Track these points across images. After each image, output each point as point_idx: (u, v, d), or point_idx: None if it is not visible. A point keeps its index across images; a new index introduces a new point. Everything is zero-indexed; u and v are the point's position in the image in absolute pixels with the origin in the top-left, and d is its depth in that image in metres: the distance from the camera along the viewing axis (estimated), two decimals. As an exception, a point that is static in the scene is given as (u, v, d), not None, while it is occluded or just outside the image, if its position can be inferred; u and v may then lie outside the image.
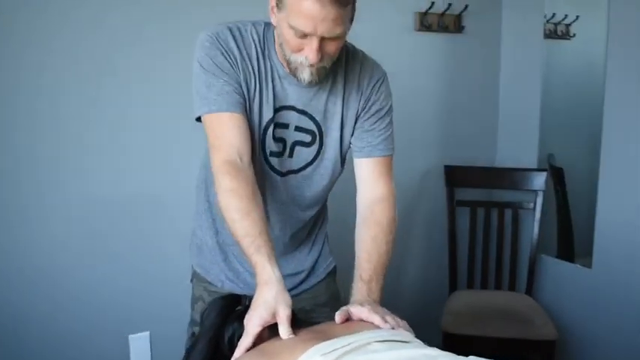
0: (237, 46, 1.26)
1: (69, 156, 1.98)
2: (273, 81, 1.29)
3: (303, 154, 1.35)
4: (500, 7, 2.76)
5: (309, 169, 1.37)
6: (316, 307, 1.49)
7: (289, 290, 1.44)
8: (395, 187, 1.41)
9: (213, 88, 1.23)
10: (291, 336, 0.98)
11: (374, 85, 1.37)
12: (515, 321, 2.32)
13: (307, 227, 1.49)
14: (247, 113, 1.27)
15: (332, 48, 1.18)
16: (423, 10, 2.52)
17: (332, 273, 1.58)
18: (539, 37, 2.66)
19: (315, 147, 1.35)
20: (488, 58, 2.79)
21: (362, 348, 0.89)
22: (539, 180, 2.58)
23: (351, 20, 1.20)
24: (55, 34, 1.91)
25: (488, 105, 2.83)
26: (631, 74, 2.23)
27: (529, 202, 2.60)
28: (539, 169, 2.63)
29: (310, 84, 1.24)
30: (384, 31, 2.48)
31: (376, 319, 1.07)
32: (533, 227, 2.57)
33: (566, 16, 2.72)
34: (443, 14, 2.56)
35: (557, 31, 2.75)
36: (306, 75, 1.21)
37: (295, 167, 1.36)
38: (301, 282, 1.50)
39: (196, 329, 1.29)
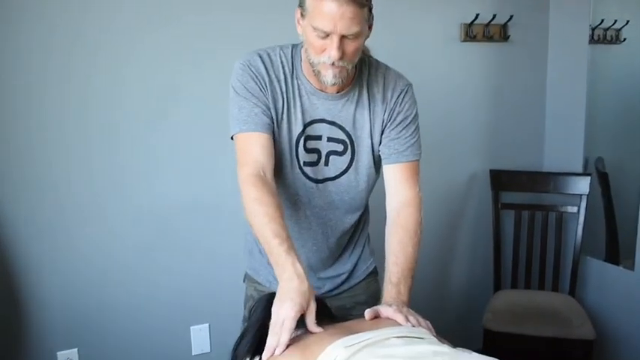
0: (267, 71, 1.39)
1: (139, 162, 2.19)
2: (301, 98, 1.41)
3: (338, 163, 1.45)
4: (548, 16, 2.82)
5: (344, 176, 1.47)
6: (356, 305, 1.59)
7: (331, 290, 1.58)
8: (421, 191, 1.48)
9: (244, 111, 1.37)
10: (320, 329, 1.13)
11: (398, 95, 1.45)
12: (554, 320, 2.39)
13: (349, 231, 1.57)
14: (277, 130, 1.39)
15: (351, 48, 1.28)
16: (469, 22, 2.62)
17: (372, 273, 1.66)
18: (584, 43, 2.70)
19: (348, 155, 1.45)
20: (534, 65, 2.85)
21: (381, 342, 1.04)
22: (584, 184, 2.64)
23: (370, 27, 1.32)
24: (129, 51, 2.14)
25: (534, 111, 2.89)
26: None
27: (573, 206, 2.65)
28: (583, 174, 2.69)
29: (334, 87, 1.36)
30: (431, 42, 2.60)
31: (399, 318, 1.19)
32: (576, 230, 2.63)
33: (615, 21, 2.75)
34: (488, 24, 2.65)
35: (606, 36, 2.78)
36: (329, 76, 1.31)
37: (332, 175, 1.46)
38: (342, 283, 1.61)
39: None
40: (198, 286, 2.33)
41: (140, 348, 2.28)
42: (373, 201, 1.62)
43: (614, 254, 2.75)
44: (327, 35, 1.25)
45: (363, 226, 1.64)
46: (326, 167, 1.46)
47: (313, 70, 1.35)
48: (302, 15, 1.30)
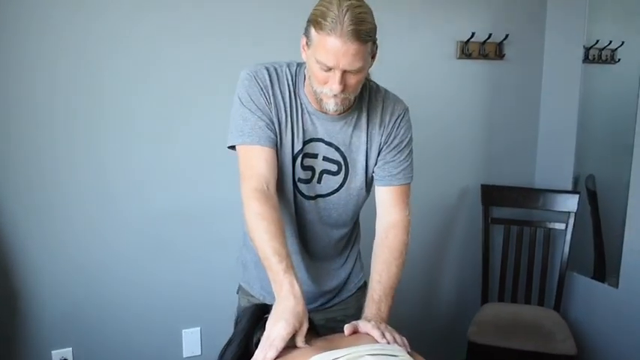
0: (272, 85, 1.41)
1: (133, 171, 2.23)
2: (302, 116, 1.43)
3: (330, 182, 1.49)
4: (543, 36, 2.87)
5: (335, 195, 1.51)
6: (346, 318, 1.60)
7: (324, 304, 1.63)
8: (411, 214, 1.52)
9: (248, 122, 1.39)
10: (305, 346, 1.18)
11: (395, 120, 1.49)
12: (537, 335, 2.43)
13: (339, 245, 1.62)
14: (279, 144, 1.42)
15: (353, 81, 1.31)
16: (465, 39, 2.67)
17: (361, 287, 1.68)
18: (578, 63, 2.75)
19: (342, 176, 1.49)
20: (528, 84, 2.91)
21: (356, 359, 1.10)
22: (572, 202, 2.69)
23: (373, 57, 1.35)
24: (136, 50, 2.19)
25: (527, 128, 2.95)
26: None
27: (561, 223, 2.70)
28: (572, 192, 2.74)
29: (335, 112, 1.37)
30: (427, 59, 2.65)
31: (376, 334, 1.23)
32: (564, 247, 2.68)
33: (610, 41, 2.80)
34: (484, 43, 2.71)
35: (601, 56, 2.83)
36: (330, 105, 1.34)
37: (324, 192, 1.50)
38: (334, 296, 1.65)
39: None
40: (191, 290, 2.38)
41: (133, 349, 2.33)
42: (365, 221, 1.66)
43: (602, 271, 2.80)
44: (329, 69, 1.28)
45: (354, 242, 1.69)
46: (318, 185, 1.50)
47: (315, 98, 1.38)
48: (307, 44, 1.32)
